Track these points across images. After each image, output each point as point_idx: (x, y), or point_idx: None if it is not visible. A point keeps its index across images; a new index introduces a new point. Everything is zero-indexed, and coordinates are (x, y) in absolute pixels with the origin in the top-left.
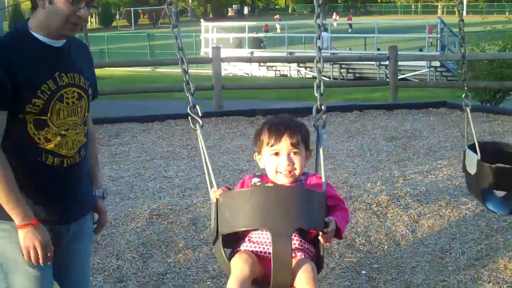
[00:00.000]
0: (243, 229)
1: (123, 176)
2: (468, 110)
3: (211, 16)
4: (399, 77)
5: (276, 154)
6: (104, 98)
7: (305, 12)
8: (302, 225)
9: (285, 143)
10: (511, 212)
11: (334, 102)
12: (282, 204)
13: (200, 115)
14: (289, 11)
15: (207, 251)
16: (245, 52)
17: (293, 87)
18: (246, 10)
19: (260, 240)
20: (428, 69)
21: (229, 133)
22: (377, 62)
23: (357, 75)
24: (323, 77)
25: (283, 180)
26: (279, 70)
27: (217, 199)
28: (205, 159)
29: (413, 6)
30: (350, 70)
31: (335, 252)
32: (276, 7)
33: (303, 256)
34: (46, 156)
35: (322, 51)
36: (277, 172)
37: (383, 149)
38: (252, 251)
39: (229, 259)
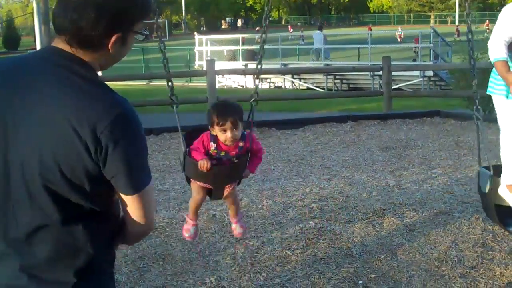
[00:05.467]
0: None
1: None
2: (480, 124)
3: (204, 29)
4: (393, 87)
5: (224, 130)
6: None
7: (298, 23)
8: (231, 182)
9: (229, 123)
10: None
11: (328, 112)
12: (223, 176)
13: (177, 101)
14: (283, 23)
15: (204, 264)
16: (239, 64)
17: (287, 99)
18: (239, 22)
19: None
20: (421, 79)
21: None
22: (371, 73)
23: (351, 85)
24: (317, 88)
25: (229, 144)
26: (273, 82)
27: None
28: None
29: (405, 17)
30: (344, 81)
31: (332, 262)
32: (270, 19)
33: (231, 187)
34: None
35: (317, 62)
36: (225, 140)
37: (378, 159)
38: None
39: (189, 180)
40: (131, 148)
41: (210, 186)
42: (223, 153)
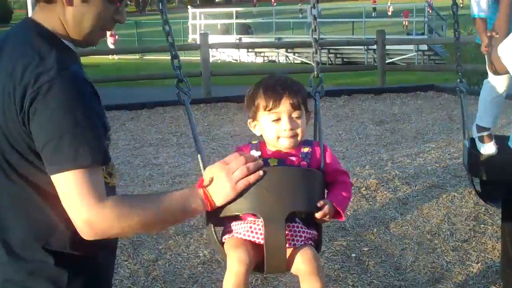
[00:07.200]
0: (234, 214)
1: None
2: (463, 97)
3: (198, 2)
4: (387, 61)
5: (277, 119)
6: None
7: None
8: (295, 208)
9: (285, 105)
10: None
11: None
12: (276, 187)
13: (189, 89)
14: None
15: (197, 237)
16: (233, 38)
17: (281, 73)
18: None
19: (253, 226)
20: (416, 53)
21: (218, 119)
22: (365, 47)
23: (345, 59)
24: (311, 62)
25: (286, 144)
26: (267, 56)
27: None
28: (195, 137)
29: None
30: (338, 55)
31: (325, 235)
32: None
33: (303, 242)
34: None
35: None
36: (278, 137)
37: (372, 133)
38: (245, 240)
39: (221, 239)
40: (56, 117)
41: (259, 240)
42: (275, 162)
